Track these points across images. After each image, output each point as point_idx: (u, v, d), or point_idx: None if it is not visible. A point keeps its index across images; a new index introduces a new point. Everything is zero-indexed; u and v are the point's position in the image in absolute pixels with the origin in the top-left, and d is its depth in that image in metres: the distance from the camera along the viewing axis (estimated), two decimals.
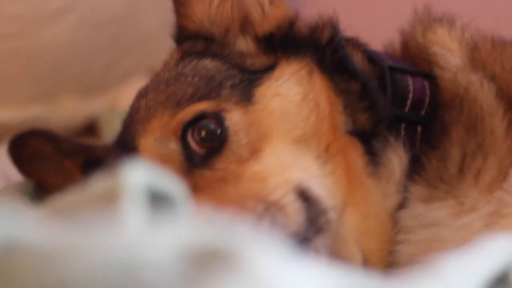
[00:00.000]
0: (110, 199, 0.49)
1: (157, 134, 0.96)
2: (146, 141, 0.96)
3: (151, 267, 0.39)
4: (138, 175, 0.52)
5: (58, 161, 1.19)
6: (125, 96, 1.27)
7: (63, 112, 1.34)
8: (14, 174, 1.21)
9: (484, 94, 0.95)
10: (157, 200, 0.55)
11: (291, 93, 0.98)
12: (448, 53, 1.01)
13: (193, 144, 0.95)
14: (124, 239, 0.40)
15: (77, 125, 1.33)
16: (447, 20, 1.06)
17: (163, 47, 1.13)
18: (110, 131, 1.24)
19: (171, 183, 0.56)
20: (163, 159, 0.95)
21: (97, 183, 0.56)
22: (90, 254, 0.38)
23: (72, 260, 0.38)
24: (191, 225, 0.43)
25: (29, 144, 1.20)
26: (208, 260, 0.40)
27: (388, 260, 0.92)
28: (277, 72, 1.00)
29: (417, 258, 0.88)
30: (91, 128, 1.35)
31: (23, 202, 0.47)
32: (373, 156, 0.95)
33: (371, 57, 1.02)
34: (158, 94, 1.01)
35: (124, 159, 0.61)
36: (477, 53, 1.01)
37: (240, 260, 0.40)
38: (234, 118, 0.95)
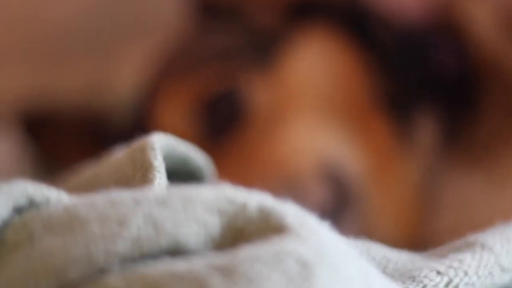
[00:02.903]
0: (137, 167, 0.47)
1: (175, 107, 0.94)
2: (164, 114, 0.94)
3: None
4: (163, 142, 0.50)
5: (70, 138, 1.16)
6: (133, 62, 1.24)
7: (67, 77, 1.30)
8: None
9: None
10: (185, 175, 0.53)
11: (315, 62, 0.95)
12: (479, 20, 0.98)
13: (212, 118, 0.93)
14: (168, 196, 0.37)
15: (82, 91, 1.29)
16: None
17: (174, 14, 1.11)
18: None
19: (198, 155, 0.54)
20: (182, 133, 0.92)
21: (118, 154, 0.53)
22: (125, 218, 0.35)
23: (107, 226, 0.36)
24: (228, 190, 0.40)
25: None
26: (259, 224, 0.37)
27: (418, 233, 0.90)
28: (300, 40, 0.96)
29: (449, 231, 0.86)
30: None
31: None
32: (402, 128, 0.93)
33: (399, 24, 0.99)
34: (175, 64, 0.98)
35: (141, 131, 0.58)
36: (511, 20, 0.98)
37: (297, 230, 0.38)
38: (255, 89, 0.92)
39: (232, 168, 0.86)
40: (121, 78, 1.27)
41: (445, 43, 0.98)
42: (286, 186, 0.83)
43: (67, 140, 1.15)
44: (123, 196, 0.39)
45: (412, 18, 1.03)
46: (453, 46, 0.97)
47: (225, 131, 0.92)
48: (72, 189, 0.48)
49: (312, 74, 0.94)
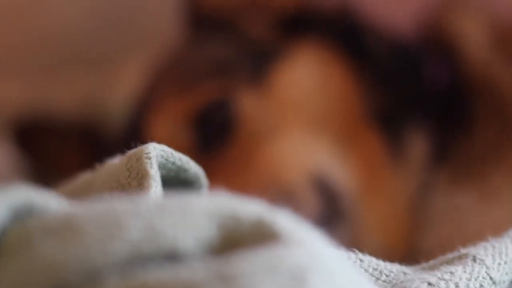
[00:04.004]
0: (132, 175, 0.47)
1: (168, 119, 0.94)
2: (157, 126, 0.94)
3: (189, 236, 0.36)
4: (158, 151, 0.50)
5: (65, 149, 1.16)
6: (128, 74, 1.24)
7: (62, 88, 1.30)
8: None
9: (508, 77, 0.93)
10: (178, 182, 0.53)
11: (306, 76, 0.95)
12: (471, 36, 0.98)
13: (204, 129, 0.93)
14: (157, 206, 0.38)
15: (78, 102, 1.29)
16: (470, 3, 1.04)
17: (170, 26, 1.11)
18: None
19: (192, 164, 0.54)
20: (174, 144, 0.92)
21: (113, 162, 0.53)
22: (124, 222, 0.36)
23: (106, 229, 0.36)
24: (223, 198, 0.40)
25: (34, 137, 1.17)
26: (254, 231, 0.38)
27: (410, 247, 0.90)
28: (291, 53, 0.97)
29: (440, 245, 0.86)
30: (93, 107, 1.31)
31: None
32: (393, 142, 0.93)
33: (392, 40, 0.99)
34: (168, 76, 0.99)
35: (136, 142, 0.59)
36: (503, 36, 0.98)
37: (291, 237, 0.38)
38: (248, 101, 0.92)
39: (224, 179, 0.86)
40: (117, 89, 1.27)
41: (437, 58, 0.98)
42: (277, 197, 0.83)
43: (62, 150, 1.15)
44: (122, 201, 0.39)
45: (404, 34, 1.04)
46: (445, 61, 0.98)
47: (217, 142, 0.92)
48: (65, 196, 0.48)
49: (305, 87, 0.94)
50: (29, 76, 1.33)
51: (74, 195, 0.50)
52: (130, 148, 0.55)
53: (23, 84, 1.31)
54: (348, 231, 0.87)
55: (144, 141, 0.54)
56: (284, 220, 0.41)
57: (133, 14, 1.40)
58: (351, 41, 0.97)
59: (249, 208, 0.41)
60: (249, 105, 0.92)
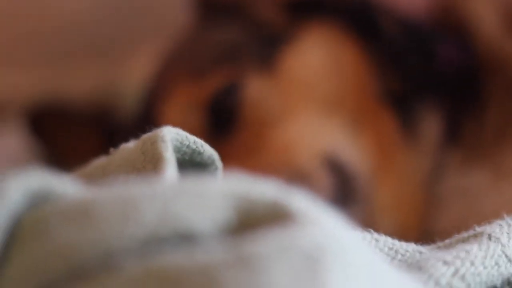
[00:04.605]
0: (147, 159, 0.47)
1: (180, 105, 0.94)
2: (170, 111, 0.94)
3: (205, 219, 0.36)
4: (173, 134, 0.50)
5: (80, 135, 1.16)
6: (140, 60, 1.24)
7: (75, 76, 1.30)
8: None
9: None
10: (193, 165, 0.54)
11: (317, 57, 0.95)
12: (483, 16, 0.98)
13: (215, 114, 0.93)
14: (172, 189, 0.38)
15: (90, 90, 1.29)
16: None
17: (179, 12, 1.11)
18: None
19: (206, 146, 0.54)
20: (186, 128, 0.92)
21: (128, 146, 0.53)
22: (140, 205, 0.36)
23: (122, 213, 0.36)
24: (238, 179, 0.40)
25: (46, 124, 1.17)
26: (269, 212, 0.38)
27: (423, 227, 0.89)
28: (301, 36, 0.96)
29: (454, 225, 0.85)
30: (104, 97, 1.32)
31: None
32: (406, 123, 0.92)
33: (403, 21, 0.99)
34: (179, 62, 0.99)
35: (150, 126, 0.59)
36: None
37: (306, 217, 0.38)
38: (260, 83, 0.92)
39: (236, 163, 0.86)
40: (128, 75, 1.27)
41: (450, 39, 0.98)
42: (290, 179, 0.83)
43: (75, 137, 1.16)
44: (137, 184, 0.39)
45: (417, 15, 1.03)
46: (458, 42, 0.97)
47: (228, 127, 0.92)
48: (80, 181, 0.48)
49: (315, 69, 0.94)
50: (42, 63, 1.33)
51: (89, 180, 0.50)
52: (143, 133, 0.55)
53: (36, 71, 1.32)
54: (361, 211, 0.87)
55: (156, 127, 0.55)
56: (299, 201, 0.41)
57: (143, 2, 1.40)
58: (363, 22, 0.97)
59: (264, 189, 0.41)
60: (259, 88, 0.92)
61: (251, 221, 0.39)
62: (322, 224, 0.39)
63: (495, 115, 0.91)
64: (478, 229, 0.55)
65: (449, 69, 0.95)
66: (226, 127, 0.92)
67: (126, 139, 0.58)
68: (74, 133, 1.16)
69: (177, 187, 0.39)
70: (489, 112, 0.91)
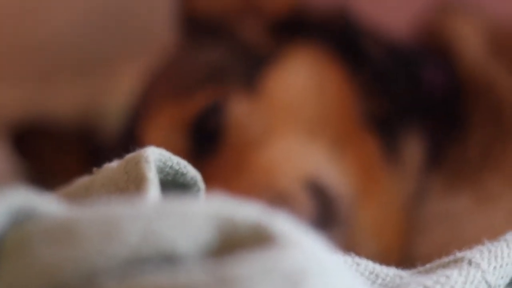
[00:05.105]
0: (130, 179, 0.47)
1: (163, 125, 0.94)
2: (153, 131, 0.94)
3: (186, 239, 0.36)
4: (156, 155, 0.50)
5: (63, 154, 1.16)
6: (124, 79, 1.24)
7: (59, 94, 1.30)
8: None
9: (505, 81, 0.93)
10: (176, 186, 0.54)
11: (301, 79, 0.95)
12: (468, 40, 0.98)
13: (198, 134, 0.93)
14: (154, 210, 0.38)
15: (74, 108, 1.29)
16: (467, 6, 1.04)
17: (165, 31, 1.11)
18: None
19: (189, 168, 0.54)
20: (169, 149, 0.92)
21: (111, 166, 0.53)
22: (123, 225, 0.36)
23: (105, 233, 0.36)
24: (221, 201, 0.40)
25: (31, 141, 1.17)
26: (251, 234, 0.38)
27: (405, 251, 0.90)
28: (286, 57, 0.97)
29: (436, 249, 0.86)
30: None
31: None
32: (389, 146, 0.93)
33: (388, 44, 0.99)
34: (163, 82, 0.99)
35: (133, 146, 0.59)
36: (499, 40, 0.98)
37: (288, 239, 0.38)
38: (242, 105, 0.92)
39: (218, 184, 0.86)
40: (113, 94, 1.27)
41: (434, 62, 0.98)
42: (272, 201, 0.83)
43: (59, 155, 1.15)
44: (120, 204, 0.39)
45: (401, 37, 1.04)
46: (442, 65, 0.98)
47: (211, 148, 0.92)
48: (63, 200, 0.48)
49: (299, 91, 0.94)
50: (26, 81, 1.33)
51: (72, 199, 0.50)
52: (126, 152, 0.55)
53: (21, 89, 1.31)
54: (343, 235, 0.87)
55: (140, 146, 0.55)
56: (281, 223, 0.41)
57: (128, 20, 1.40)
58: (347, 44, 0.97)
59: (247, 211, 0.41)
60: (242, 109, 0.92)
61: (234, 242, 0.40)
62: (304, 246, 0.39)
63: (478, 138, 0.92)
64: (459, 254, 0.55)
65: (433, 92, 0.96)
66: (209, 148, 0.92)
67: (109, 159, 0.58)
68: (57, 151, 1.16)
69: (160, 208, 0.39)
70: (472, 136, 0.92)
